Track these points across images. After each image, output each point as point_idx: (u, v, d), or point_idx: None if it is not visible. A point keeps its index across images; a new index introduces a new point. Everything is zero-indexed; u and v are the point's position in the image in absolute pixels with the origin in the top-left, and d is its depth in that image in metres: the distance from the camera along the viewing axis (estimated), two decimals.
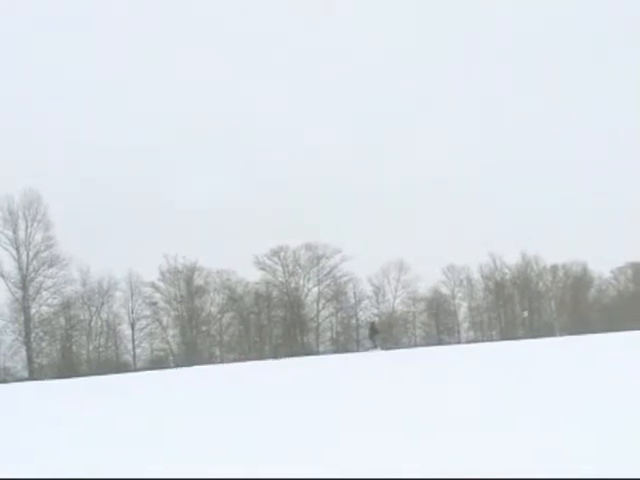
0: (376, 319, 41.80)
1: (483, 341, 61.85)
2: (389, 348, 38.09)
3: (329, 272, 65.63)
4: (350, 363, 22.19)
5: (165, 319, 60.33)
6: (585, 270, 73.89)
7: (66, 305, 53.48)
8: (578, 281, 74.35)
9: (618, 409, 6.73)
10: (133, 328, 57.78)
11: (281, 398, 11.21)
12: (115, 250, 59.98)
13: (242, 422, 8.30)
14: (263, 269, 64.76)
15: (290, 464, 5.34)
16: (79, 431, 8.89)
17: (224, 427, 7.97)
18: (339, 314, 66.31)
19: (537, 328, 69.18)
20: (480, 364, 15.86)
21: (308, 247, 65.14)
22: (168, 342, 60.39)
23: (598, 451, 4.90)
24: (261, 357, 51.50)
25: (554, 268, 76.12)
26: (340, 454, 5.60)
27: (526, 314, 70.81)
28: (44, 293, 51.79)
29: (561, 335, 68.39)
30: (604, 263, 71.44)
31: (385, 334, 39.83)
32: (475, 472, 4.48)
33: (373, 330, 36.30)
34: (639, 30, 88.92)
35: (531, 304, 75.24)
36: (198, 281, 61.38)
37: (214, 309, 62.52)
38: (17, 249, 50.11)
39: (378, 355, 26.42)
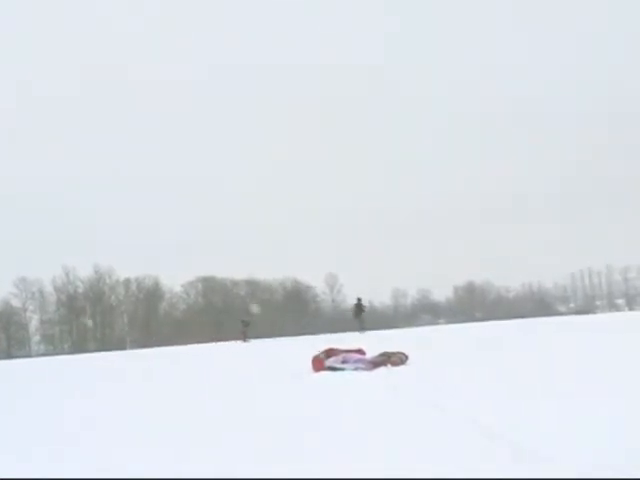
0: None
1: (55, 354, 59.26)
2: None
3: None
4: None
5: None
6: (157, 284, 76.84)
7: None
8: (150, 295, 76.73)
9: None
10: None
11: None
12: None
13: None
14: None
15: None
16: None
17: None
18: None
19: (109, 341, 68.81)
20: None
21: None
22: None
23: None
24: None
25: (127, 282, 76.94)
26: None
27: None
28: None
29: (132, 348, 69.51)
30: (175, 277, 75.70)
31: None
32: None
33: (359, 308, 29.30)
34: None
35: (104, 318, 74.44)
36: None
37: None
38: None
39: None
